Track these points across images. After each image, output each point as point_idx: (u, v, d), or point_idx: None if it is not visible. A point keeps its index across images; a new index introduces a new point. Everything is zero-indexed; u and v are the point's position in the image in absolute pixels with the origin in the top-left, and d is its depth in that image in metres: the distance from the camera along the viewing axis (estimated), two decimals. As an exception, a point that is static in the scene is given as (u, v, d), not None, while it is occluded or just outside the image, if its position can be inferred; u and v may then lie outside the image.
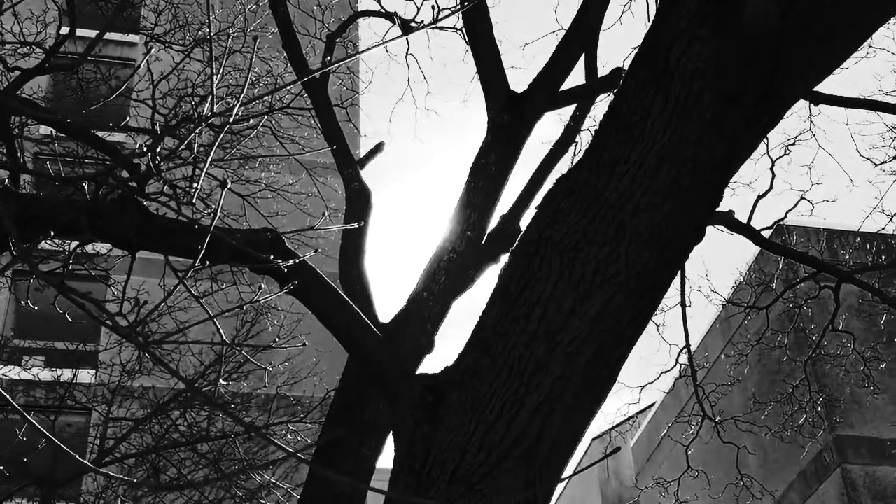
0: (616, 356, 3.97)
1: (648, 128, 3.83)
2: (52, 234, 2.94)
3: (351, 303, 4.42)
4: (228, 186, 2.43)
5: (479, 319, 4.03)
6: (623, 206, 3.84)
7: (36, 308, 4.79)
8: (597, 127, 4.01)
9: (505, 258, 8.03)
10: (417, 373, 4.17)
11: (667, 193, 3.81)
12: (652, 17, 9.03)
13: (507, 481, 3.78)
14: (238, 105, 2.42)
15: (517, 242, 4.13)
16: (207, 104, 2.44)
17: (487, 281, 7.93)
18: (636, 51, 3.99)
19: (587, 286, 3.84)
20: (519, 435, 3.79)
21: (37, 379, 16.15)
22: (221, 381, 6.10)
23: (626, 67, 8.61)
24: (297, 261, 3.74)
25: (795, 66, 3.91)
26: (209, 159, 2.56)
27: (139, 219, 3.74)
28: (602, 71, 8.69)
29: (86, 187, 2.92)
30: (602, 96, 9.15)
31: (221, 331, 3.28)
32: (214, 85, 2.47)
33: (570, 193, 3.96)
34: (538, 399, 3.80)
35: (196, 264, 2.71)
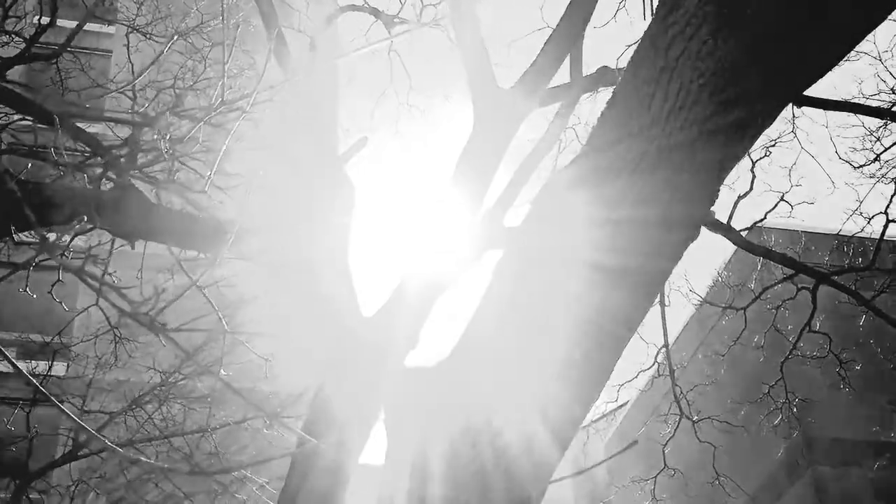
0: (610, 355, 3.98)
1: (645, 127, 3.82)
2: (62, 222, 2.92)
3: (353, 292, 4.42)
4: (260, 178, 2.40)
5: (473, 315, 4.02)
6: (619, 206, 3.84)
7: (35, 296, 4.77)
8: (594, 124, 4.00)
9: (488, 255, 8.04)
10: (410, 367, 4.17)
11: (663, 193, 3.81)
12: (648, 16, 9.03)
13: (501, 479, 3.79)
14: (254, 93, 2.39)
15: (511, 239, 4.13)
16: (217, 89, 2.41)
17: (472, 277, 7.92)
18: (634, 49, 3.98)
19: (583, 286, 3.84)
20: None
21: (11, 370, 16.03)
22: (222, 371, 6.08)
23: (614, 65, 8.62)
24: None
25: (792, 67, 3.91)
26: (223, 149, 2.54)
27: (141, 209, 3.71)
28: (589, 69, 8.68)
29: (85, 176, 2.90)
30: (586, 94, 9.16)
31: (224, 321, 3.27)
32: (225, 72, 2.45)
33: (569, 190, 3.96)
34: (532, 398, 3.81)
35: (197, 257, 2.70)
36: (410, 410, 4.04)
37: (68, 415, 2.49)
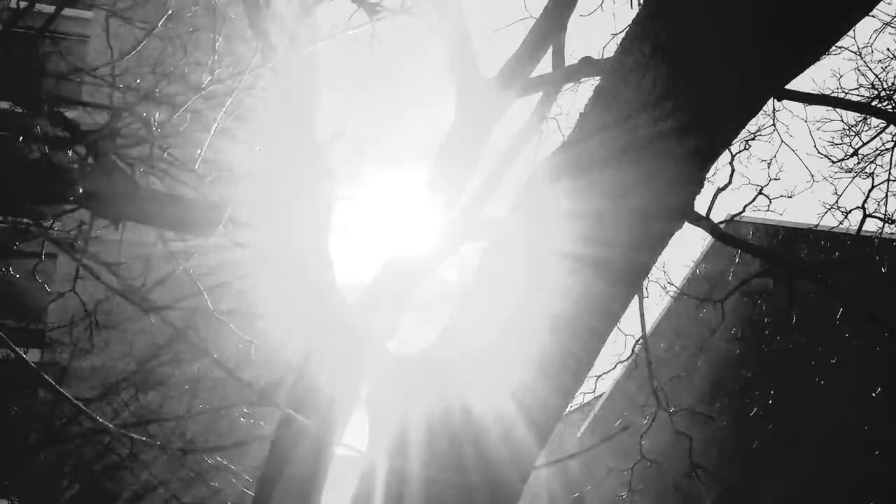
0: (589, 349, 4.00)
1: (633, 116, 3.83)
2: (52, 200, 2.90)
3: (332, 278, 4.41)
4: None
5: (459, 306, 4.04)
6: (604, 195, 3.85)
7: (18, 277, 4.75)
8: (581, 112, 4.00)
9: (467, 246, 8.03)
10: (394, 353, 4.18)
11: (649, 182, 3.82)
12: (635, 4, 9.01)
13: (479, 465, 3.80)
14: (248, 72, 2.38)
15: (496, 231, 4.15)
16: (207, 69, 2.40)
17: (450, 267, 7.91)
18: (623, 37, 3.98)
19: (564, 279, 3.86)
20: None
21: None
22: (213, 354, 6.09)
23: (598, 56, 8.61)
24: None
25: (779, 58, 3.92)
26: (213, 129, 2.53)
27: (126, 189, 3.69)
28: (574, 59, 8.67)
29: (70, 155, 2.88)
30: (568, 85, 9.15)
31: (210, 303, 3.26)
32: (215, 50, 2.42)
33: (553, 181, 3.96)
34: (510, 389, 3.84)
35: (191, 242, 2.69)
36: (393, 395, 4.05)
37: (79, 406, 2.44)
